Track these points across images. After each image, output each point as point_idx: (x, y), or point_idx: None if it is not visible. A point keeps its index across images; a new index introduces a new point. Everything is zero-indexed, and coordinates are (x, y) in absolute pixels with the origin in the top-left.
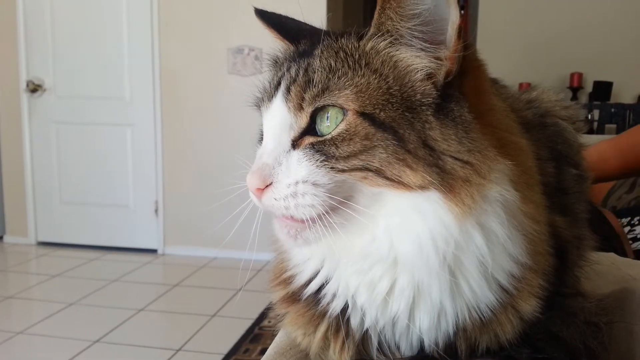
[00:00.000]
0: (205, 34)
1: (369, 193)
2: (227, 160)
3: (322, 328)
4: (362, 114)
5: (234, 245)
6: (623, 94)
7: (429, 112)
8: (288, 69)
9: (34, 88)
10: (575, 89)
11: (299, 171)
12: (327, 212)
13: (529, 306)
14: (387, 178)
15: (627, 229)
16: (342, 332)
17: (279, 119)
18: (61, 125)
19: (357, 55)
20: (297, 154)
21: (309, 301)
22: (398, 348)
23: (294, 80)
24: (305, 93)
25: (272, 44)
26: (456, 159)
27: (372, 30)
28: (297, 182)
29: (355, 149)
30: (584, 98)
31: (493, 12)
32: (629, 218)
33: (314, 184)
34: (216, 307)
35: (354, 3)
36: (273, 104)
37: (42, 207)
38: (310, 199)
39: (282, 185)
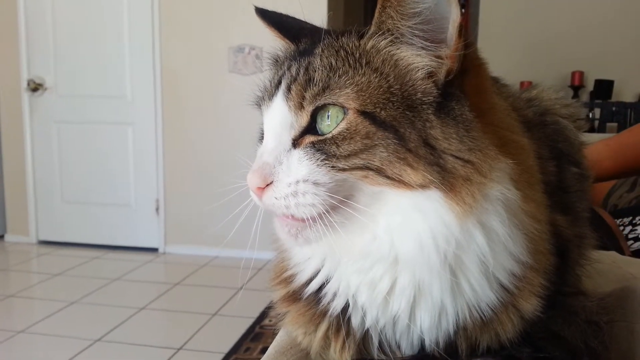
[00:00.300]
0: (206, 33)
1: (369, 192)
2: (227, 159)
3: (323, 327)
4: (363, 113)
5: (234, 244)
6: (624, 93)
7: (429, 111)
8: (289, 68)
9: (35, 87)
10: (576, 88)
11: (300, 170)
12: (327, 211)
13: (530, 305)
14: (388, 177)
15: (628, 228)
16: (343, 332)
17: (280, 117)
18: (62, 124)
19: (357, 54)
20: (298, 153)
21: (309, 300)
22: (399, 347)
23: (295, 79)
24: (305, 92)
25: (273, 42)
26: (457, 157)
27: (372, 28)
28: (297, 181)
29: (356, 148)
30: (585, 96)
31: (494, 11)
32: (631, 217)
33: (315, 183)
34: (217, 305)
35: (355, 2)
36: (274, 102)
37: (43, 205)
38: (310, 198)
39: (282, 184)
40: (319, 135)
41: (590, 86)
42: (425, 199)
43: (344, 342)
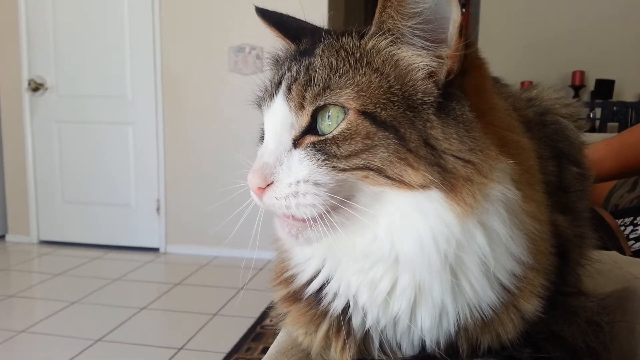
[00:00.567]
0: (206, 33)
1: (370, 192)
2: (228, 159)
3: (324, 327)
4: (363, 113)
5: (235, 244)
6: (625, 92)
7: (430, 111)
8: (289, 68)
9: (36, 87)
10: (577, 87)
11: (300, 171)
12: (328, 212)
13: (531, 305)
14: (389, 177)
15: (629, 228)
16: (344, 332)
17: (280, 118)
18: (63, 124)
19: (358, 54)
20: (299, 153)
21: (310, 300)
22: (399, 347)
23: (295, 79)
24: (306, 92)
25: (273, 42)
26: (458, 157)
27: (373, 29)
28: (298, 182)
29: (356, 148)
30: (586, 96)
31: (495, 11)
32: (632, 217)
33: (315, 184)
34: (218, 305)
35: (355, 1)
36: (274, 103)
37: (44, 205)
38: (311, 199)
39: (283, 185)
40: (319, 135)
41: (591, 86)
42: (425, 199)
43: (344, 343)
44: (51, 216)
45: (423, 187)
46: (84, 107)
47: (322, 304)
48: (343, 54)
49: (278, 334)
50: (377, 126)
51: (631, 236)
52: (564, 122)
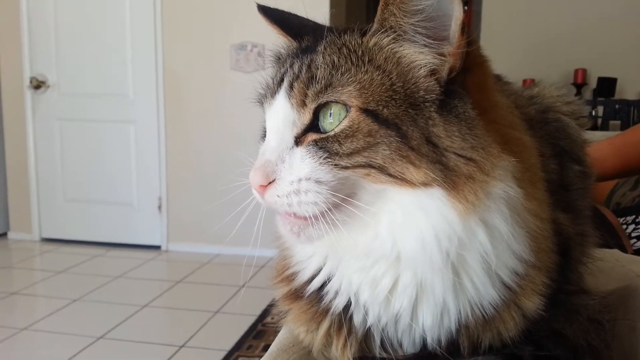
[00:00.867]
0: (207, 31)
1: (371, 190)
2: (230, 157)
3: (325, 325)
4: (365, 111)
5: (237, 242)
6: (627, 90)
7: (432, 109)
8: (291, 65)
9: (38, 84)
10: (579, 85)
11: (302, 168)
12: (329, 209)
13: (532, 303)
14: (390, 175)
15: (631, 226)
16: (345, 329)
17: (282, 115)
18: (65, 122)
19: (360, 52)
20: (300, 151)
21: (311, 298)
22: (400, 345)
23: (297, 77)
24: (308, 89)
25: (275, 40)
26: (459, 155)
27: (375, 26)
28: (300, 180)
29: (358, 146)
30: (588, 94)
31: (497, 8)
32: (634, 216)
33: (317, 182)
34: (219, 303)
35: (356, 1)
36: (276, 100)
37: (46, 203)
38: (313, 197)
39: (285, 183)
40: (321, 133)
41: (593, 84)
42: (427, 197)
43: (345, 340)
44: (53, 214)
45: (425, 184)
46: (86, 105)
47: (323, 302)
48: (345, 51)
49: (279, 331)
50: (379, 124)
51: (633, 234)
52: (565, 119)
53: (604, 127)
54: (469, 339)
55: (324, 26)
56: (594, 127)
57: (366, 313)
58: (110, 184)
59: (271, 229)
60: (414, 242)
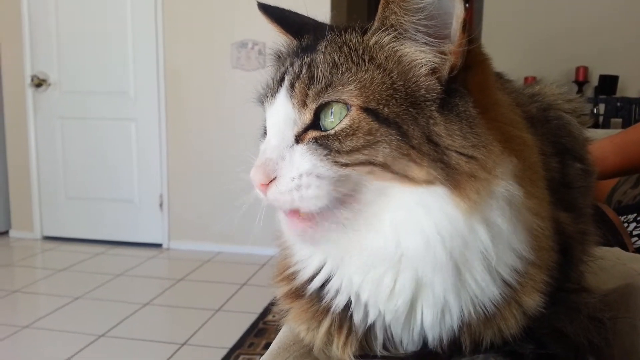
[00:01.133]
0: (208, 29)
1: (374, 188)
2: (231, 155)
3: (326, 323)
4: (366, 110)
5: (238, 240)
6: (629, 88)
7: (433, 108)
8: (291, 64)
9: (39, 83)
10: (580, 83)
11: (303, 164)
12: (333, 207)
13: (532, 301)
14: (394, 172)
15: (632, 225)
16: (346, 328)
17: (283, 114)
18: (66, 120)
19: (360, 50)
20: (300, 148)
21: (312, 297)
22: (401, 343)
23: (298, 76)
24: (309, 89)
25: (276, 37)
26: (461, 154)
27: (376, 24)
28: (300, 175)
29: (358, 144)
30: (589, 92)
31: (498, 6)
32: (635, 214)
33: (318, 177)
34: (221, 301)
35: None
36: (276, 99)
37: (47, 201)
38: (314, 191)
39: (286, 179)
40: (322, 131)
41: (594, 81)
42: (430, 195)
43: (346, 339)
44: (54, 212)
45: (427, 183)
46: (87, 103)
47: (324, 301)
48: (346, 50)
49: (280, 329)
50: (379, 123)
51: (634, 233)
52: (567, 117)
53: (606, 124)
54: (470, 336)
55: (325, 24)
56: (596, 125)
57: (367, 311)
58: (111, 182)
59: (272, 227)
60: (418, 241)
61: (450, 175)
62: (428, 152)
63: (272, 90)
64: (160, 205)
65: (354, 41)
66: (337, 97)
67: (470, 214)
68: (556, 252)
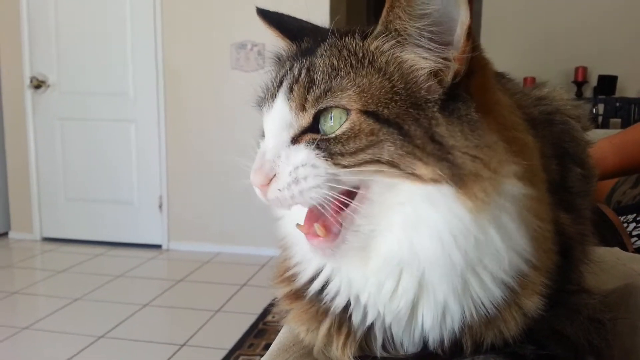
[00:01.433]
0: (208, 30)
1: (383, 185)
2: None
3: (326, 325)
4: (366, 112)
5: (238, 241)
6: (628, 88)
7: (435, 109)
8: (290, 68)
9: (38, 84)
10: (580, 83)
11: (297, 157)
12: (342, 205)
13: (532, 303)
14: (401, 170)
15: (632, 225)
16: (345, 329)
17: (281, 117)
18: (65, 121)
19: (360, 54)
20: (297, 146)
21: (312, 298)
22: (401, 345)
23: (297, 80)
24: (308, 94)
25: (275, 39)
26: (465, 153)
27: (379, 28)
28: (296, 167)
29: (361, 145)
30: (588, 92)
31: (497, 6)
32: (635, 214)
33: (313, 166)
34: (220, 302)
35: (357, 2)
36: (275, 103)
37: (47, 203)
38: (312, 181)
39: (284, 175)
40: (321, 134)
41: (593, 82)
42: (438, 193)
43: (346, 340)
44: (54, 213)
45: (434, 181)
46: (86, 105)
47: (324, 302)
48: (345, 53)
49: (280, 330)
50: (380, 123)
51: (634, 233)
52: (572, 123)
53: (605, 125)
54: (472, 338)
55: (325, 28)
56: (595, 125)
57: (367, 312)
58: (110, 183)
59: (272, 227)
60: (433, 242)
61: (456, 174)
62: (433, 152)
63: (271, 94)
64: (160, 206)
65: (354, 45)
66: (336, 103)
67: (479, 213)
68: (556, 253)
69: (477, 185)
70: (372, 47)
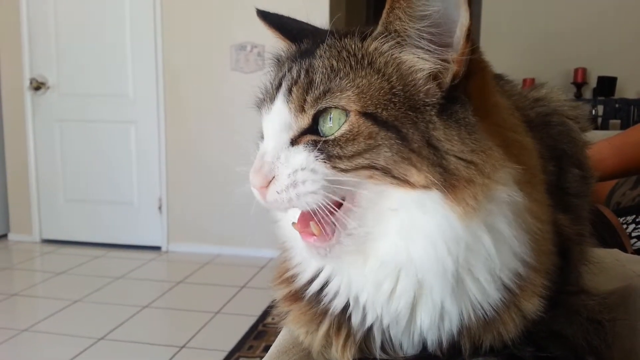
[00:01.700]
0: (207, 31)
1: (373, 191)
2: (230, 157)
3: (324, 326)
4: (365, 114)
5: (237, 242)
6: (627, 90)
7: (432, 112)
8: (289, 70)
9: (38, 86)
10: (579, 85)
11: (297, 160)
12: (335, 209)
13: (532, 305)
14: (394, 177)
15: (632, 226)
16: (344, 331)
17: (280, 119)
18: (65, 122)
19: (360, 55)
20: (296, 148)
21: (311, 299)
22: (401, 346)
23: (296, 82)
24: (307, 95)
25: (275, 40)
26: (460, 158)
27: (379, 29)
28: (295, 170)
29: (360, 148)
30: (588, 93)
31: (496, 7)
32: (634, 216)
33: (313, 170)
34: (220, 304)
35: (357, 2)
36: (274, 105)
37: (46, 204)
38: (310, 185)
39: (283, 177)
40: (320, 136)
41: (593, 83)
42: (428, 199)
43: (345, 342)
44: (53, 215)
45: (424, 187)
46: (86, 106)
47: (323, 303)
48: (345, 54)
49: (280, 332)
50: (379, 126)
51: (633, 234)
52: (570, 124)
53: (604, 126)
54: (470, 340)
55: (324, 30)
56: (594, 127)
57: (366, 314)
58: (110, 185)
59: (271, 229)
60: (427, 247)
61: (448, 180)
62: (428, 156)
63: (270, 95)
64: (160, 207)
65: (353, 46)
66: (335, 104)
67: (468, 219)
68: (555, 255)
69: (468, 191)
70: (372, 48)
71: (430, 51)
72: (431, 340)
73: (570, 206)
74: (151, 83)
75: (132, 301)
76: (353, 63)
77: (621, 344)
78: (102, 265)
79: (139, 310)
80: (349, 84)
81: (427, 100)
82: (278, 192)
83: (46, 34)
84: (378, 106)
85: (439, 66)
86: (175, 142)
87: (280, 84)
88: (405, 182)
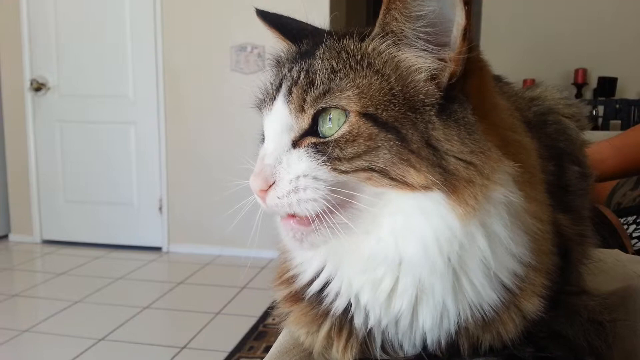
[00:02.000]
0: (207, 32)
1: (371, 193)
2: (230, 158)
3: (325, 327)
4: (365, 115)
5: (238, 243)
6: (628, 90)
7: (432, 113)
8: (289, 70)
9: (38, 87)
10: (579, 85)
11: (299, 166)
12: (330, 211)
13: (532, 305)
14: (392, 178)
15: (632, 227)
16: (345, 331)
17: (280, 120)
18: (65, 123)
19: (359, 56)
20: (298, 152)
21: (312, 300)
22: (401, 347)
23: (296, 82)
24: (307, 95)
25: (275, 41)
26: (459, 159)
27: (376, 30)
28: (297, 177)
29: (359, 150)
30: (588, 94)
31: (497, 8)
32: (635, 216)
33: (315, 178)
34: (220, 304)
35: (357, 2)
36: (274, 105)
37: (47, 205)
38: (311, 193)
39: (284, 182)
40: (320, 137)
41: (593, 84)
42: (427, 200)
43: (346, 342)
44: (54, 216)
45: (425, 188)
46: (86, 107)
47: (323, 304)
48: (344, 55)
49: (280, 333)
50: (378, 127)
51: (634, 234)
52: (566, 122)
53: (605, 126)
54: (468, 340)
55: (323, 30)
56: (595, 127)
57: (367, 315)
58: (111, 186)
59: (272, 230)
60: (416, 246)
61: (448, 180)
62: (427, 157)
63: (270, 96)
64: (160, 208)
65: (352, 47)
66: (335, 103)
67: (468, 219)
68: (556, 255)
69: (468, 191)
70: (370, 48)
71: (427, 51)
72: (431, 340)
73: (571, 206)
74: (151, 84)
75: (132, 302)
76: (352, 64)
77: (622, 344)
78: (103, 265)
79: (139, 310)
80: (349, 84)
81: (426, 100)
82: (279, 197)
83: (46, 34)
84: (378, 107)
85: (436, 65)
86: (175, 142)
87: (280, 85)
88: (403, 183)
